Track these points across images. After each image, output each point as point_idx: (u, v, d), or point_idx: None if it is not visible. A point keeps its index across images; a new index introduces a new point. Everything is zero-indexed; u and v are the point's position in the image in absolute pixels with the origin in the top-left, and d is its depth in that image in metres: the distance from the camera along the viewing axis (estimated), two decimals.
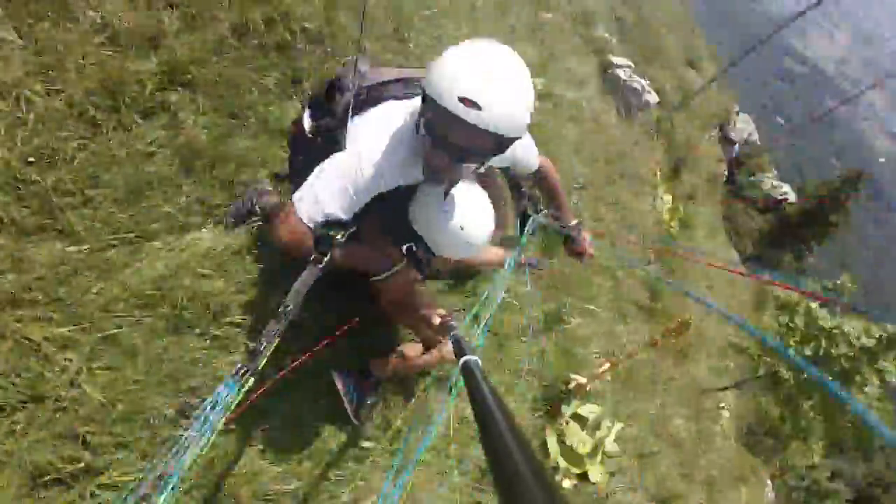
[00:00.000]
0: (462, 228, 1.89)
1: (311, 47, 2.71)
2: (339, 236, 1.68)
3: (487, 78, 1.42)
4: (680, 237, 5.24)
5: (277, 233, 1.67)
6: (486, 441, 0.74)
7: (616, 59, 4.81)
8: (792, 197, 21.78)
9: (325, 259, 1.63)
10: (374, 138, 1.68)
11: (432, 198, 1.91)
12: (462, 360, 1.11)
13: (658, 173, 5.02)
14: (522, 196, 2.26)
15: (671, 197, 4.80)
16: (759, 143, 15.26)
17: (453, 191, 1.89)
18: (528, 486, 0.60)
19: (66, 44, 2.08)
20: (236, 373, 1.42)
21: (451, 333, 1.54)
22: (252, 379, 1.42)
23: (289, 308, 1.55)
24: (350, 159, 1.66)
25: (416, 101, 1.67)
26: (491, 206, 2.02)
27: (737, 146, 12.55)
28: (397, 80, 1.85)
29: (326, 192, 1.65)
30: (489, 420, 0.79)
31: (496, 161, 1.85)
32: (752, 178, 18.38)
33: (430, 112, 1.50)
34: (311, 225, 1.65)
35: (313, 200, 1.66)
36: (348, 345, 2.30)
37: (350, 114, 1.73)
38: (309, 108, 1.98)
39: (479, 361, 1.10)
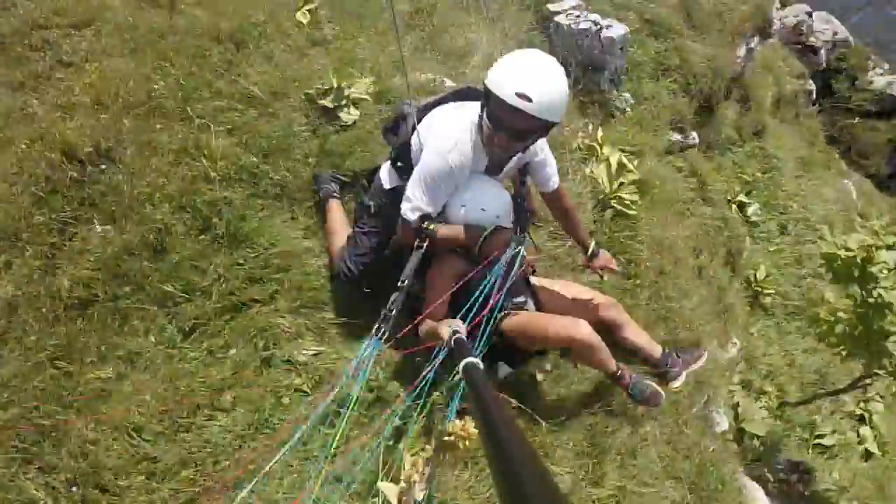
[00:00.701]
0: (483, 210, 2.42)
1: None
2: (431, 226, 2.36)
3: (535, 77, 2.05)
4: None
5: (400, 235, 2.51)
6: (487, 442, 0.76)
7: (553, 6, 4.73)
8: None
9: (425, 244, 2.33)
10: (449, 142, 2.31)
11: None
12: (463, 361, 1.18)
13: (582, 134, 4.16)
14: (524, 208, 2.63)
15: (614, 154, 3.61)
16: (851, 40, 13.01)
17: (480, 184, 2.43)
18: (528, 485, 0.61)
19: None
20: (376, 332, 2.06)
21: (455, 337, 1.84)
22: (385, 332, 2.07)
23: (405, 282, 2.23)
24: (427, 163, 2.32)
25: (470, 105, 2.34)
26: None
27: (822, 52, 10.87)
28: (441, 97, 2.58)
29: (417, 195, 2.36)
30: (490, 421, 0.81)
31: (530, 155, 2.46)
32: (857, 82, 14.74)
33: (493, 105, 2.12)
34: (412, 220, 2.34)
35: (410, 206, 2.38)
36: None
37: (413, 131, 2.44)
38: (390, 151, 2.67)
39: (480, 364, 1.19)
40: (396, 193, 2.54)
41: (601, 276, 2.94)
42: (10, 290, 2.61)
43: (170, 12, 3.61)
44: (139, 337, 2.69)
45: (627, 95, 4.69)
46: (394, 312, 2.15)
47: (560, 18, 4.47)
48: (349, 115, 3.27)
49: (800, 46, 9.88)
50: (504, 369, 2.77)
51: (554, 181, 2.66)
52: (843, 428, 4.37)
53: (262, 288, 2.90)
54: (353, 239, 2.78)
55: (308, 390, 2.69)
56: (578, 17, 4.43)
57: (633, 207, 3.35)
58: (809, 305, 3.21)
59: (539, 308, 2.74)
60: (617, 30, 4.43)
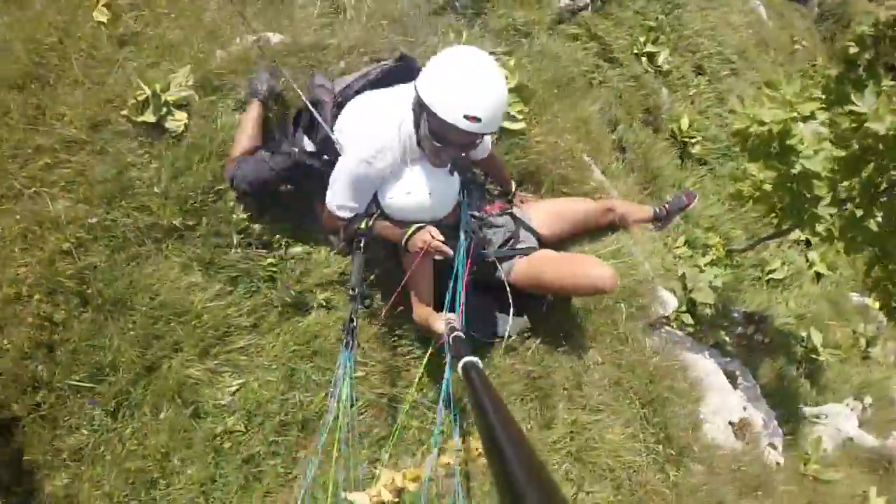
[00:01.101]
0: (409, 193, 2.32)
1: None
2: (363, 225, 2.32)
3: (482, 94, 1.96)
4: None
5: (322, 224, 2.57)
6: (486, 441, 0.77)
7: None
8: None
9: (363, 245, 2.31)
10: (368, 142, 2.22)
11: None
12: (462, 361, 1.19)
13: None
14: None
15: None
16: None
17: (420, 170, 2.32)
18: (527, 485, 0.62)
19: None
20: (346, 345, 2.13)
21: (452, 336, 1.85)
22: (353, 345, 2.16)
23: (356, 291, 2.23)
24: (350, 168, 2.25)
25: (399, 96, 2.22)
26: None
27: None
28: (362, 78, 2.47)
29: (342, 194, 2.31)
30: (490, 421, 0.81)
31: None
32: None
33: (437, 125, 2.03)
34: (346, 216, 2.35)
35: (336, 203, 2.34)
36: None
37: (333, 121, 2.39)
38: (304, 133, 2.59)
39: (479, 363, 1.19)
40: (317, 156, 2.52)
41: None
42: None
43: None
44: (73, 434, 2.68)
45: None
46: (355, 324, 2.20)
47: None
48: (175, 121, 2.89)
49: None
50: (519, 323, 2.77)
51: (486, 150, 2.65)
52: (792, 257, 4.45)
53: (163, 343, 2.77)
54: (256, 156, 2.68)
55: (243, 429, 2.69)
56: None
57: (519, 120, 3.07)
58: (731, 180, 3.04)
59: (541, 242, 2.82)
60: None
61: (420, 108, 2.11)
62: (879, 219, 2.55)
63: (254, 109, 2.86)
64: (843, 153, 2.60)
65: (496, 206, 2.92)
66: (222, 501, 2.58)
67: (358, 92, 2.49)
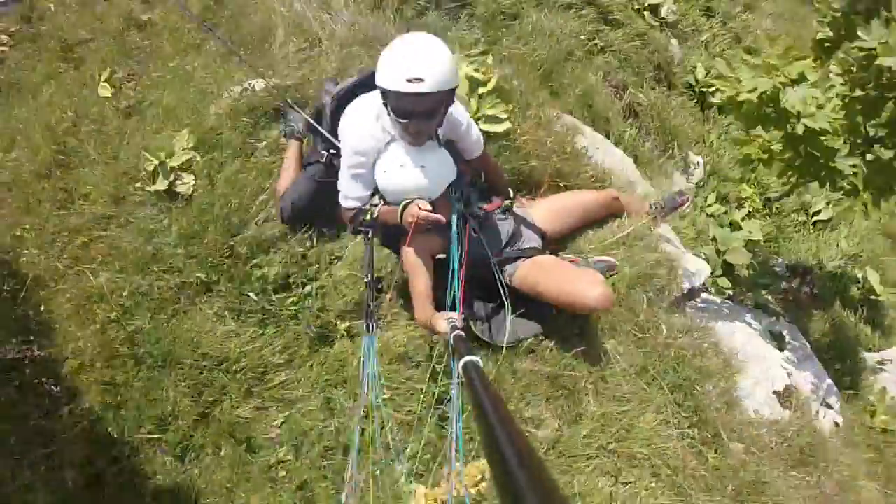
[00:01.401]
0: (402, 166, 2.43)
1: None
2: (367, 217, 2.53)
3: (416, 58, 2.12)
4: None
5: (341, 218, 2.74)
6: (486, 441, 0.77)
7: None
8: None
9: (371, 235, 2.56)
10: (353, 131, 2.47)
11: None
12: (462, 360, 1.20)
13: None
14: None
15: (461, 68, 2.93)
16: None
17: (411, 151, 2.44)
18: (527, 485, 0.62)
19: None
20: (368, 329, 2.51)
21: (454, 335, 1.90)
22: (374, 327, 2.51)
23: (368, 279, 2.55)
24: (346, 159, 2.51)
25: (374, 92, 2.35)
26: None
27: None
28: (357, 84, 2.73)
29: (346, 186, 2.57)
30: (489, 420, 0.81)
31: (447, 131, 2.54)
32: None
33: (392, 100, 2.19)
34: (354, 205, 2.57)
35: (343, 196, 2.60)
36: None
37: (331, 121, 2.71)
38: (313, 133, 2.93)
39: (480, 362, 1.22)
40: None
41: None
42: None
43: None
44: (149, 482, 3.02)
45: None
46: (372, 306, 2.51)
47: None
48: (185, 185, 3.09)
49: None
50: (531, 327, 2.82)
51: (478, 148, 2.73)
52: (835, 195, 4.10)
53: (211, 389, 3.05)
54: (296, 180, 2.95)
55: (293, 457, 2.93)
56: None
57: (503, 120, 3.02)
58: (737, 144, 2.83)
59: (545, 238, 2.86)
60: None
61: (382, 97, 2.26)
62: None
63: (292, 147, 3.10)
64: (858, 94, 2.39)
65: (496, 203, 2.89)
66: None
67: (352, 91, 2.70)
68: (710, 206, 4.04)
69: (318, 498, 2.89)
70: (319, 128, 2.84)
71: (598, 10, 4.19)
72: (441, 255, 2.59)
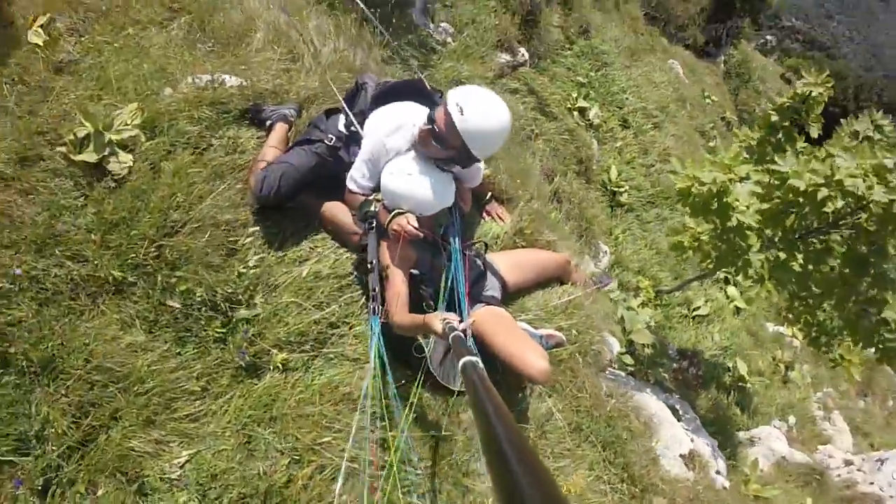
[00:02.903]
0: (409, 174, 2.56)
1: None
2: (372, 207, 2.59)
3: (499, 142, 2.48)
4: None
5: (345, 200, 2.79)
6: (486, 440, 0.77)
7: None
8: None
9: (375, 225, 2.57)
10: (387, 136, 2.59)
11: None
12: (461, 360, 1.20)
13: None
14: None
15: None
16: None
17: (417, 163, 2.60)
18: (526, 483, 0.62)
19: None
20: (373, 311, 2.48)
21: (452, 335, 1.87)
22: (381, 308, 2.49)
23: (373, 262, 2.53)
24: (373, 142, 2.62)
25: (414, 104, 2.66)
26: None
27: None
28: (395, 86, 2.84)
29: (357, 171, 2.68)
30: (489, 419, 0.81)
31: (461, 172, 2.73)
32: None
33: (456, 143, 2.38)
34: (358, 191, 2.68)
35: (350, 177, 2.70)
36: None
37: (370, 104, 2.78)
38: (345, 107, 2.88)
39: (479, 362, 1.20)
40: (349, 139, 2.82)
41: (496, 220, 3.36)
42: None
43: None
44: None
45: (445, 25, 4.32)
46: (376, 290, 2.52)
47: None
48: (119, 163, 2.69)
49: None
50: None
51: (480, 178, 3.03)
52: (713, 294, 4.98)
53: (99, 411, 2.49)
54: (288, 154, 2.83)
55: (198, 501, 2.45)
56: None
57: None
58: (671, 234, 3.37)
59: (505, 289, 3.00)
60: None
61: (443, 128, 2.44)
62: (801, 260, 2.95)
63: (279, 131, 3.01)
64: (767, 206, 3.00)
65: (465, 241, 3.01)
66: None
67: (392, 90, 2.87)
68: (612, 291, 4.56)
69: None
70: (349, 115, 2.85)
71: (538, 100, 4.74)
72: (413, 270, 2.64)
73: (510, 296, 3.26)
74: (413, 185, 2.52)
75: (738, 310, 5.01)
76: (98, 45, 2.98)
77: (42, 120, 2.69)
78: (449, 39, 4.39)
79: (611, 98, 5.43)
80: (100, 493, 2.41)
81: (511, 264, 3.10)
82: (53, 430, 2.40)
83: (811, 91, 2.88)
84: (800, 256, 2.93)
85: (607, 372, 3.88)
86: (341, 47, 3.39)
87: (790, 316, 3.65)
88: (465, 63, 4.41)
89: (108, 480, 2.43)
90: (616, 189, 5.01)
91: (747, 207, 2.81)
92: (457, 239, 2.74)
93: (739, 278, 3.11)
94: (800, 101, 2.92)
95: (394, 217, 2.53)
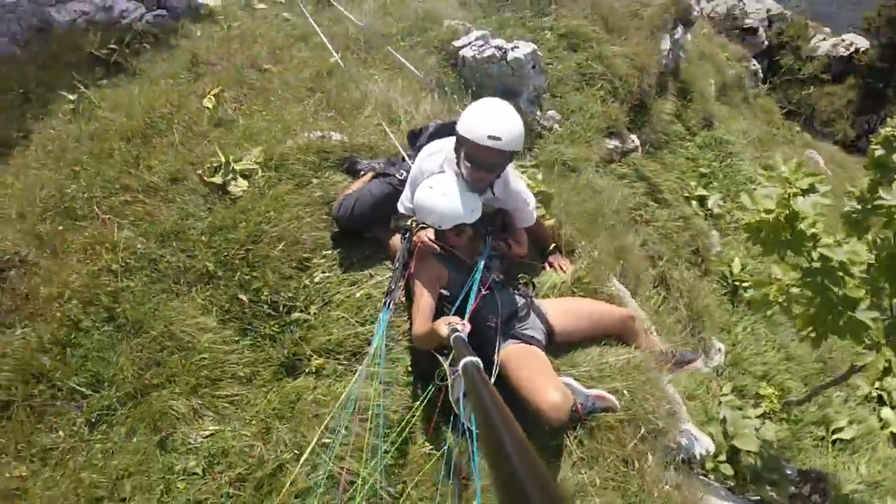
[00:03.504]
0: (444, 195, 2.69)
1: None
2: (409, 222, 2.77)
3: (500, 120, 2.52)
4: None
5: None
6: (486, 440, 0.79)
7: (459, 41, 4.75)
8: (863, 43, 16.35)
9: (409, 235, 2.74)
10: (423, 160, 2.88)
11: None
12: (463, 360, 1.23)
13: None
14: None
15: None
16: (787, 13, 13.29)
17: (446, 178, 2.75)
18: (528, 484, 0.62)
19: None
20: (385, 304, 2.62)
21: (454, 336, 1.99)
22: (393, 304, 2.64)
23: (397, 264, 2.72)
24: (412, 172, 2.94)
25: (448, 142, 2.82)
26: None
27: (761, 31, 11.05)
28: (443, 126, 3.19)
29: (405, 195, 2.93)
30: (490, 418, 0.82)
31: (503, 195, 2.87)
32: (802, 52, 14.49)
33: (468, 147, 2.55)
34: (404, 213, 2.92)
35: (401, 201, 2.95)
36: None
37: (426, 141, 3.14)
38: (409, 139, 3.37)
39: (480, 363, 1.24)
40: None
41: (557, 271, 3.26)
42: None
43: (87, 120, 3.89)
44: (51, 433, 2.80)
45: (553, 112, 4.60)
46: (395, 286, 2.64)
47: (465, 51, 4.50)
48: (237, 187, 3.36)
49: (737, 31, 9.85)
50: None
51: (533, 218, 3.07)
52: (862, 415, 3.81)
53: (160, 371, 2.90)
54: (362, 188, 3.15)
55: (201, 473, 2.62)
56: (482, 45, 4.44)
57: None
58: (756, 286, 2.82)
59: (551, 335, 2.85)
60: (523, 49, 4.42)
61: (458, 144, 2.62)
62: None
63: (368, 177, 3.38)
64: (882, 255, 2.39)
65: (508, 283, 2.94)
66: None
67: (443, 128, 3.17)
68: (725, 395, 3.81)
69: None
70: (404, 152, 3.29)
71: (649, 185, 4.57)
72: (444, 291, 2.66)
73: (560, 347, 3.01)
74: (434, 197, 2.63)
75: (895, 437, 3.64)
76: (251, 111, 3.93)
77: (194, 155, 3.58)
78: (556, 126, 4.63)
79: (736, 188, 4.93)
80: (134, 439, 2.75)
81: (561, 310, 2.91)
82: (122, 377, 2.88)
83: None
84: None
85: (694, 474, 3.16)
86: (433, 113, 3.87)
87: None
88: (570, 145, 4.55)
89: (144, 430, 2.77)
90: (738, 283, 4.36)
91: (838, 243, 2.25)
92: (482, 263, 2.73)
93: (847, 341, 2.40)
94: None
95: (417, 230, 2.68)
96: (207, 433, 2.81)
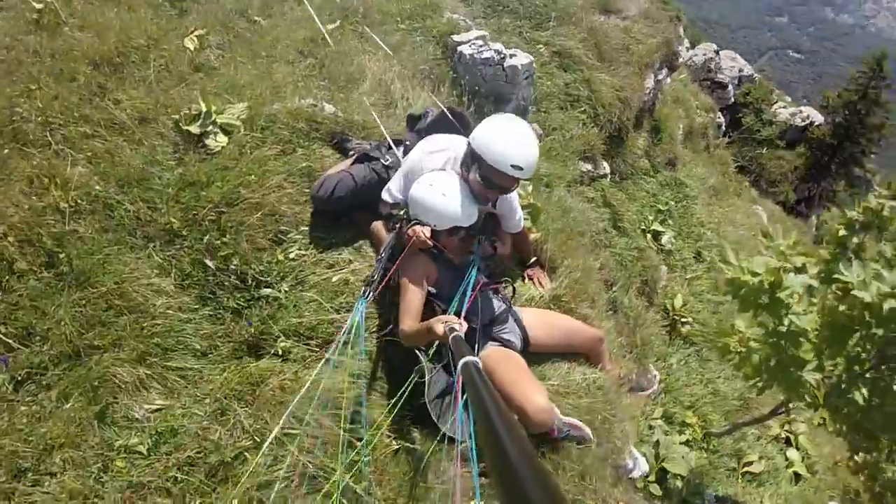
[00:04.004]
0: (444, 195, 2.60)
1: None
2: (401, 212, 2.66)
3: (524, 151, 2.46)
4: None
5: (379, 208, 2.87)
6: (486, 440, 0.78)
7: (458, 37, 4.68)
8: (818, 118, 18.11)
9: (397, 227, 2.65)
10: (425, 155, 2.73)
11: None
12: (462, 360, 1.20)
13: None
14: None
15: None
16: (756, 76, 14.41)
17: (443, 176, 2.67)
18: (527, 483, 0.62)
19: None
20: (364, 293, 2.51)
21: (452, 336, 1.90)
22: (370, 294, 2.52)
23: (382, 255, 2.62)
24: (413, 159, 2.75)
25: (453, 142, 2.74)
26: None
27: (730, 87, 11.92)
28: (444, 117, 3.08)
29: (394, 183, 2.78)
30: (490, 417, 0.82)
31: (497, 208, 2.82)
32: (763, 115, 15.71)
33: (488, 171, 2.48)
34: (390, 201, 2.77)
35: (388, 188, 2.79)
36: None
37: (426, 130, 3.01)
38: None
39: (479, 362, 1.21)
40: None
41: (535, 285, 3.26)
42: None
43: (51, 35, 3.34)
44: None
45: (535, 126, 4.62)
46: (376, 278, 2.56)
47: (463, 48, 4.41)
48: (216, 141, 3.05)
49: (709, 83, 10.60)
50: None
51: (520, 226, 3.03)
52: (771, 453, 4.23)
53: (104, 332, 2.56)
54: (343, 172, 2.97)
55: (145, 452, 2.34)
56: (482, 46, 4.37)
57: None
58: (719, 335, 3.02)
59: (526, 342, 2.85)
60: (521, 59, 4.41)
61: (472, 158, 2.54)
62: (865, 392, 2.46)
63: (352, 159, 3.22)
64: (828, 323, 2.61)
65: (493, 286, 2.92)
66: None
67: (443, 119, 3.10)
68: (656, 419, 4.04)
69: None
70: (393, 145, 3.12)
71: (613, 213, 4.74)
72: (431, 289, 2.60)
73: (532, 357, 3.03)
74: (433, 196, 2.56)
75: (797, 476, 4.11)
76: (235, 61, 3.59)
77: (169, 97, 3.20)
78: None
79: (688, 230, 5.30)
80: (67, 405, 2.40)
81: (539, 320, 2.93)
82: (58, 333, 2.50)
83: (884, 205, 2.62)
84: (864, 387, 2.45)
85: (632, 494, 3.31)
86: (428, 99, 3.74)
87: (850, 464, 2.94)
88: (547, 160, 4.60)
89: (79, 396, 2.43)
90: (678, 318, 4.66)
91: (804, 312, 2.47)
92: (474, 266, 2.69)
93: (791, 397, 2.63)
94: (872, 216, 2.66)
95: (412, 224, 2.60)
96: (154, 408, 2.52)
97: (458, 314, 2.48)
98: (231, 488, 2.29)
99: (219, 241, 2.89)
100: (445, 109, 3.11)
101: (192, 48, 3.49)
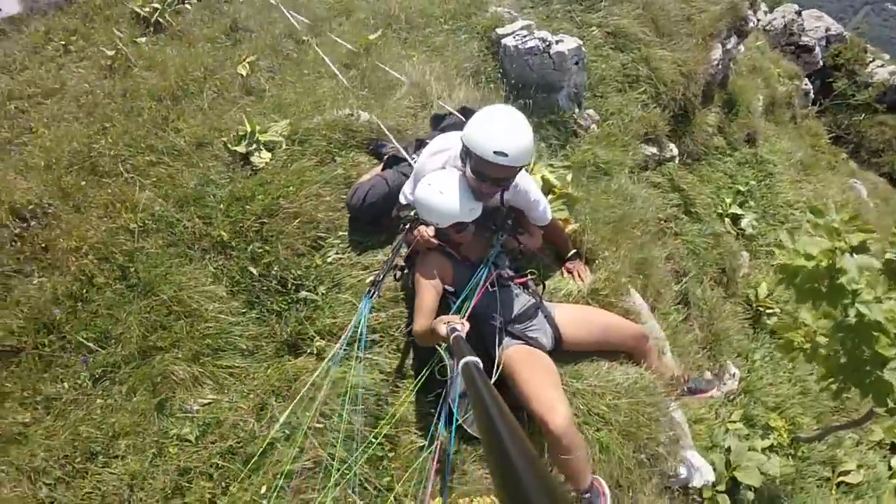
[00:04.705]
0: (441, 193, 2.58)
1: None
2: (412, 213, 2.69)
3: (506, 135, 2.35)
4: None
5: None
6: (487, 440, 0.80)
7: (502, 29, 4.52)
8: None
9: (407, 228, 2.71)
10: (427, 157, 2.75)
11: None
12: (463, 360, 1.21)
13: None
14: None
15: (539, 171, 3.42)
16: (847, 34, 12.27)
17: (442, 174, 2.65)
18: (529, 483, 0.62)
19: None
20: (368, 293, 2.61)
21: (453, 336, 1.94)
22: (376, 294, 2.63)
23: (390, 256, 2.71)
24: (417, 164, 2.82)
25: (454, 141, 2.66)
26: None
27: (817, 50, 10.30)
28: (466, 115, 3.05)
29: (407, 187, 2.82)
30: (491, 417, 0.82)
31: (513, 197, 2.71)
32: (857, 77, 13.14)
33: (475, 162, 2.41)
34: (403, 202, 2.82)
35: (402, 194, 2.84)
36: None
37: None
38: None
39: (479, 362, 1.22)
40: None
41: (574, 279, 3.10)
42: None
43: (122, 77, 3.86)
44: (57, 384, 2.83)
45: (591, 112, 4.37)
46: (382, 277, 2.63)
47: (507, 41, 4.29)
48: (260, 158, 3.29)
49: (792, 47, 9.17)
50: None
51: (546, 218, 2.88)
52: (872, 461, 3.59)
53: (165, 334, 2.89)
54: (376, 178, 3.06)
55: (193, 440, 2.61)
56: (526, 36, 4.22)
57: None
58: (783, 330, 2.62)
59: (559, 342, 2.71)
60: (568, 44, 4.19)
61: (465, 153, 2.48)
62: None
63: (382, 164, 3.30)
64: None
65: (520, 280, 2.82)
66: (143, 502, 2.44)
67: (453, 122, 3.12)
68: (733, 422, 3.62)
69: (191, 493, 2.50)
70: (401, 148, 3.19)
71: (682, 197, 4.33)
72: (449, 288, 2.58)
73: (567, 355, 2.88)
74: (432, 195, 2.53)
75: None
76: (283, 81, 3.84)
77: (222, 121, 3.52)
78: (593, 126, 4.40)
79: (773, 211, 4.63)
80: (134, 399, 2.75)
81: (573, 317, 2.77)
82: (129, 336, 2.88)
83: None
84: None
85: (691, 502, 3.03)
86: (467, 99, 3.71)
87: None
88: (605, 149, 4.33)
89: (144, 391, 2.77)
90: (762, 309, 4.11)
91: (876, 300, 2.05)
92: (489, 262, 2.61)
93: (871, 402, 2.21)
94: None
95: (418, 225, 2.60)
96: (205, 402, 2.80)
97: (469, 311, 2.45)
98: (262, 476, 2.48)
99: (261, 250, 3.13)
100: (452, 110, 3.07)
101: (243, 74, 3.80)
